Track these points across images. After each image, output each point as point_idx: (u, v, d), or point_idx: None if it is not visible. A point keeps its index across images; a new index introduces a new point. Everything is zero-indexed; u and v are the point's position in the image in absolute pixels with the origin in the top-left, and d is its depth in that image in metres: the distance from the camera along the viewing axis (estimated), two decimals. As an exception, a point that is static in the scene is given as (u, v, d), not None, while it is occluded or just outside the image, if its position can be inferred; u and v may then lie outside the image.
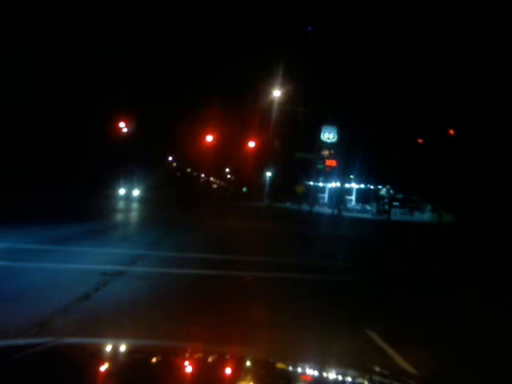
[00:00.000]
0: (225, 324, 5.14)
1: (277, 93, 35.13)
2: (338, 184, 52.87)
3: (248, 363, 2.06)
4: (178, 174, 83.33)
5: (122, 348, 2.14)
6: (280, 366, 2.08)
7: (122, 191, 41.11)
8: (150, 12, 46.90)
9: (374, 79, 34.79)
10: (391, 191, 45.71)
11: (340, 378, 1.95)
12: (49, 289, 6.37)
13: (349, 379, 1.94)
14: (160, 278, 8.02)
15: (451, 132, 33.69)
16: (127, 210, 27.87)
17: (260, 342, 4.61)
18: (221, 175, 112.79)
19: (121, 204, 31.45)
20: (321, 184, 60.95)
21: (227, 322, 5.22)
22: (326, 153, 50.24)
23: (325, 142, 51.29)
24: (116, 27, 35.99)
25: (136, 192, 43.03)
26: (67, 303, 5.53)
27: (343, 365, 2.36)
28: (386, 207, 46.97)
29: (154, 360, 1.95)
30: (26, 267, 7.80)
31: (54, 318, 4.89)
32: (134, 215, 25.24)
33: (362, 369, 2.18)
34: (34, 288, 6.33)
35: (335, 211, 44.07)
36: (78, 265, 8.32)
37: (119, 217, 22.92)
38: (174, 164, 79.20)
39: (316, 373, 2.00)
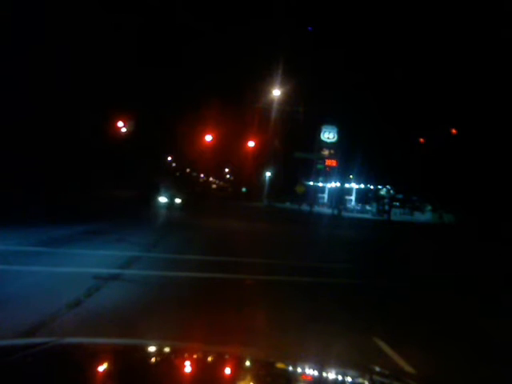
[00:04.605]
0: (224, 332, 4.89)
1: (276, 92, 34.95)
2: (338, 184, 52.69)
3: (248, 363, 2.05)
4: (178, 173, 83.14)
5: (122, 348, 2.10)
6: (280, 365, 2.07)
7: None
8: (150, 11, 46.65)
9: (375, 79, 34.59)
10: (391, 191, 45.56)
11: (340, 377, 1.95)
12: (38, 294, 6.09)
13: (349, 379, 1.94)
14: (156, 281, 7.76)
15: (453, 131, 33.49)
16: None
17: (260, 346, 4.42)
18: (220, 175, 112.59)
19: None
20: (321, 184, 60.76)
21: (227, 330, 4.97)
22: (326, 153, 50.12)
23: (325, 142, 51.18)
24: (115, 25, 35.78)
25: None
26: (55, 311, 5.24)
27: (343, 365, 2.31)
28: (386, 207, 46.82)
29: (153, 360, 1.96)
30: (17, 271, 7.52)
31: (39, 327, 4.60)
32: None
33: (362, 369, 2.18)
34: (22, 294, 6.05)
35: (335, 211, 43.88)
36: (70, 268, 8.04)
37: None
38: (173, 164, 78.97)
39: (316, 373, 1.99)
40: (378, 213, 51.14)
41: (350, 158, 42.19)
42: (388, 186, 46.14)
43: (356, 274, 10.06)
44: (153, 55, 48.06)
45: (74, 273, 7.73)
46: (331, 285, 8.59)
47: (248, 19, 50.86)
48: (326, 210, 50.03)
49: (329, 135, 52.26)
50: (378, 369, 2.10)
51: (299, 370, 2.04)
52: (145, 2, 37.97)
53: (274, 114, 39.34)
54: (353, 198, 63.31)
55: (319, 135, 52.10)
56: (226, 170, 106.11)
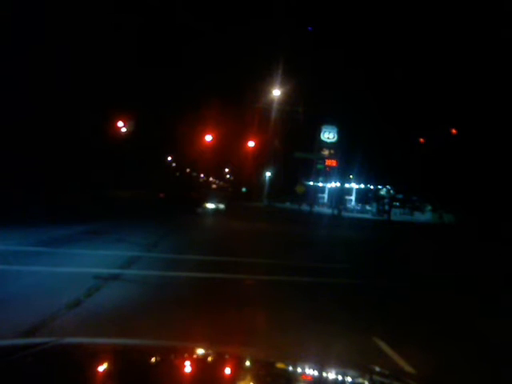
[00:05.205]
0: (224, 332, 4.89)
1: (276, 92, 34.90)
2: (338, 184, 52.67)
3: (248, 363, 2.04)
4: (178, 173, 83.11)
5: (122, 348, 2.10)
6: (280, 365, 2.07)
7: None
8: (150, 11, 46.64)
9: (375, 78, 34.58)
10: (391, 191, 45.53)
11: (340, 377, 1.95)
12: (38, 294, 6.09)
13: (349, 379, 1.94)
14: (157, 281, 7.77)
15: (453, 131, 33.47)
16: None
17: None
18: (220, 175, 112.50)
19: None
20: (321, 184, 60.76)
21: (227, 330, 4.96)
22: (326, 153, 50.12)
23: (325, 142, 51.20)
24: (115, 25, 35.74)
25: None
26: (55, 311, 5.24)
27: (343, 365, 2.30)
28: (386, 207, 46.79)
29: (153, 360, 1.95)
30: (17, 271, 7.52)
31: (39, 327, 4.60)
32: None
33: (362, 369, 2.17)
34: (22, 294, 6.05)
35: (335, 211, 43.87)
36: (71, 268, 8.04)
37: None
38: (173, 164, 78.95)
39: (316, 373, 1.98)
40: (378, 213, 51.13)
41: (350, 158, 42.16)
42: (388, 186, 46.11)
43: (356, 274, 10.05)
44: (153, 55, 48.02)
45: (74, 273, 7.74)
46: (331, 285, 8.58)
47: (248, 19, 50.84)
48: (326, 210, 50.02)
49: (329, 135, 52.28)
50: (377, 369, 2.09)
51: (299, 369, 2.03)
52: (145, 2, 37.92)
53: (274, 114, 39.32)
54: (353, 198, 63.31)
55: (319, 135, 52.11)
56: (226, 170, 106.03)
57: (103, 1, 34.71)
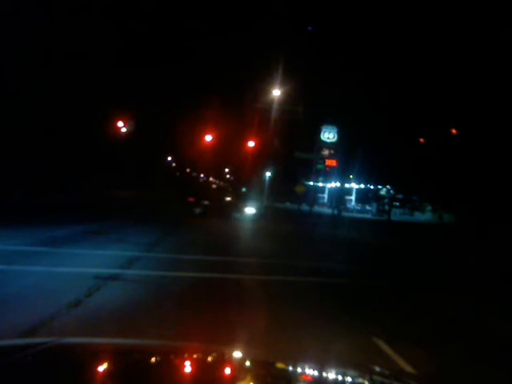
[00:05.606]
0: (224, 332, 4.88)
1: (276, 92, 34.88)
2: (338, 184, 52.66)
3: (248, 363, 2.04)
4: (178, 173, 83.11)
5: (122, 348, 2.10)
6: (280, 365, 2.07)
7: None
8: (151, 12, 46.64)
9: (375, 78, 34.58)
10: (391, 191, 45.55)
11: (340, 377, 1.95)
12: (37, 295, 6.08)
13: (349, 379, 1.94)
14: (157, 281, 7.76)
15: (453, 131, 33.47)
16: None
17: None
18: (220, 175, 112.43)
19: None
20: (321, 184, 60.76)
21: (226, 330, 4.95)
22: (325, 153, 50.06)
23: (325, 142, 51.11)
24: (115, 26, 35.75)
25: None
26: (55, 311, 5.24)
27: (343, 365, 2.30)
28: (386, 207, 46.80)
29: (153, 360, 1.96)
30: (17, 271, 7.53)
31: (38, 328, 4.59)
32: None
33: (362, 369, 2.17)
34: (22, 294, 6.05)
35: (335, 211, 43.85)
36: (71, 268, 8.04)
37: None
38: (173, 164, 78.98)
39: (316, 373, 1.98)
40: (378, 213, 51.14)
41: (350, 158, 42.12)
42: (388, 186, 46.14)
43: (356, 274, 10.05)
44: (153, 55, 48.08)
45: (75, 273, 7.73)
46: (331, 285, 8.59)
47: (249, 21, 50.85)
48: (326, 210, 50.02)
49: (329, 135, 52.23)
50: (377, 369, 2.10)
51: (299, 369, 2.03)
52: (147, 5, 37.91)
53: (273, 114, 39.26)
54: (353, 198, 63.33)
55: (319, 135, 52.08)
56: (226, 170, 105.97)
57: (104, 1, 34.71)
